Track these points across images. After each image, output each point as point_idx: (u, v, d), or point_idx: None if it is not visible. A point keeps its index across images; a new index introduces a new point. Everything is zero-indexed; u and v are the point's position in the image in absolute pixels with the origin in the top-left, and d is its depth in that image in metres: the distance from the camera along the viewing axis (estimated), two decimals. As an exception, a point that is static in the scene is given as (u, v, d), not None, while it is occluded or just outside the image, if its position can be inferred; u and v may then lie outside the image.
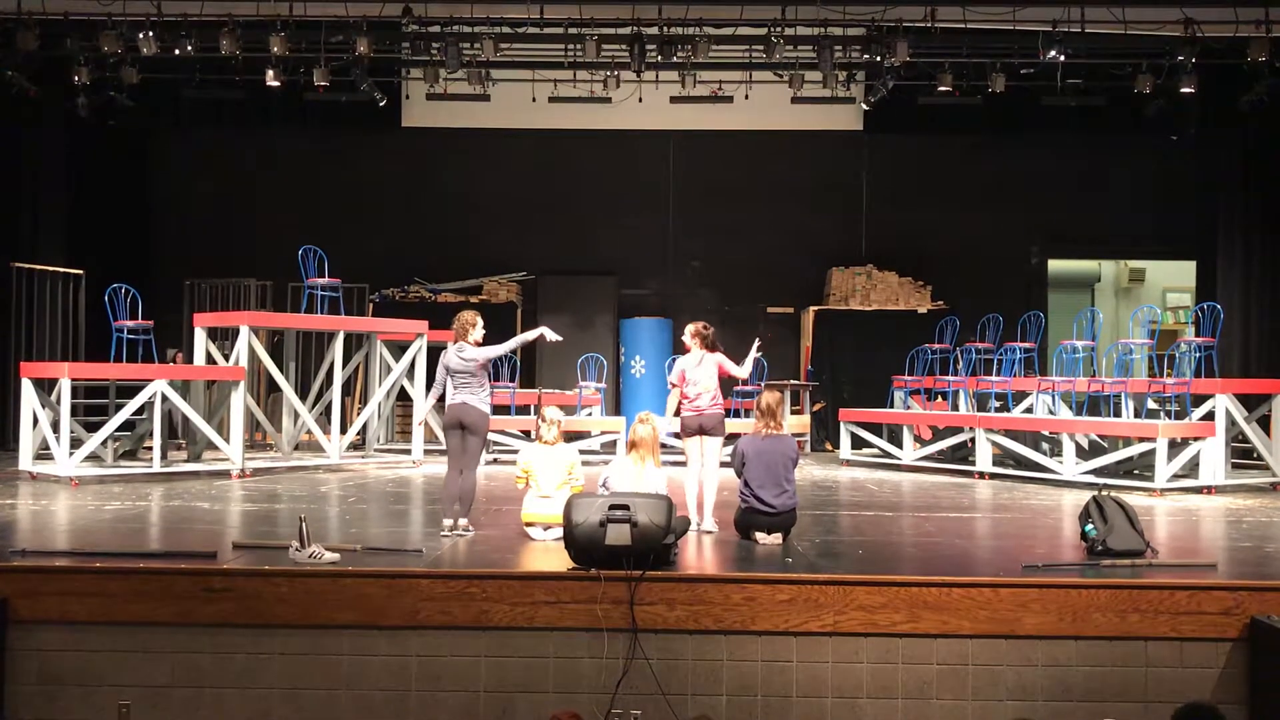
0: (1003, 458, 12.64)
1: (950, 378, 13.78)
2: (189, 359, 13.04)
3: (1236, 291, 15.41)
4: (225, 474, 11.56)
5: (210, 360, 12.36)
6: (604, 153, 17.18)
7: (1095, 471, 11.51)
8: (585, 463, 8.26)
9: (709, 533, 8.08)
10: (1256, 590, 6.21)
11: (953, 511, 9.67)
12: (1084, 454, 11.93)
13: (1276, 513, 9.82)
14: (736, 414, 14.00)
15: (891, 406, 14.47)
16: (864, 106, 15.60)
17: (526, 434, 13.50)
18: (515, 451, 11.68)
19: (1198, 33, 12.82)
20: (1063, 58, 12.96)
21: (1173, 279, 19.31)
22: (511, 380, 14.57)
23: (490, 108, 15.51)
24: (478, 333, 7.97)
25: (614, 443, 13.62)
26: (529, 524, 7.71)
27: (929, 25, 13.01)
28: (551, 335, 8.41)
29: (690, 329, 8.52)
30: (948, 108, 15.09)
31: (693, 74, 14.11)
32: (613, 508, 6.45)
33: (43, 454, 11.54)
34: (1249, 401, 12.01)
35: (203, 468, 11.80)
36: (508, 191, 17.40)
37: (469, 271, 17.18)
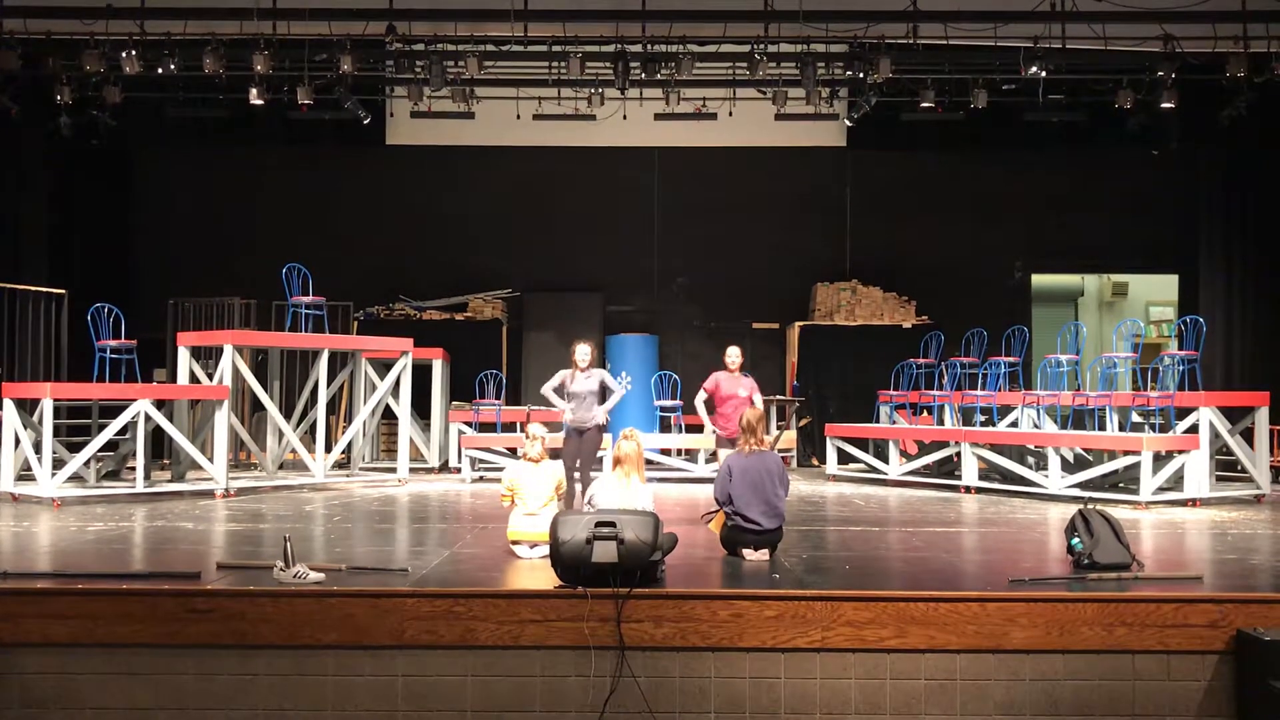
0: (988, 472, 12.65)
1: (935, 392, 13.81)
2: (172, 378, 12.97)
3: (1219, 304, 15.52)
4: (209, 494, 11.49)
5: (194, 379, 12.31)
6: (589, 170, 17.20)
7: (1080, 485, 11.54)
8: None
9: None
10: (1242, 602, 6.22)
11: (939, 526, 9.67)
12: (1069, 468, 11.96)
13: (1261, 525, 9.85)
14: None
15: (877, 421, 14.48)
16: (847, 123, 15.68)
17: (513, 451, 13.46)
18: (501, 469, 11.64)
19: (1177, 49, 12.95)
20: (1044, 74, 13.07)
21: (1155, 293, 19.44)
22: (497, 397, 14.56)
23: (475, 125, 15.52)
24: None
25: (600, 459, 13.55)
26: (515, 542, 7.68)
27: (911, 42, 13.10)
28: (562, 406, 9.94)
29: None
30: (931, 124, 15.21)
31: (677, 91, 14.15)
32: (599, 525, 6.38)
33: (24, 475, 11.46)
34: (1232, 414, 12.06)
35: (186, 488, 11.72)
36: (493, 209, 17.41)
37: (454, 289, 17.17)
